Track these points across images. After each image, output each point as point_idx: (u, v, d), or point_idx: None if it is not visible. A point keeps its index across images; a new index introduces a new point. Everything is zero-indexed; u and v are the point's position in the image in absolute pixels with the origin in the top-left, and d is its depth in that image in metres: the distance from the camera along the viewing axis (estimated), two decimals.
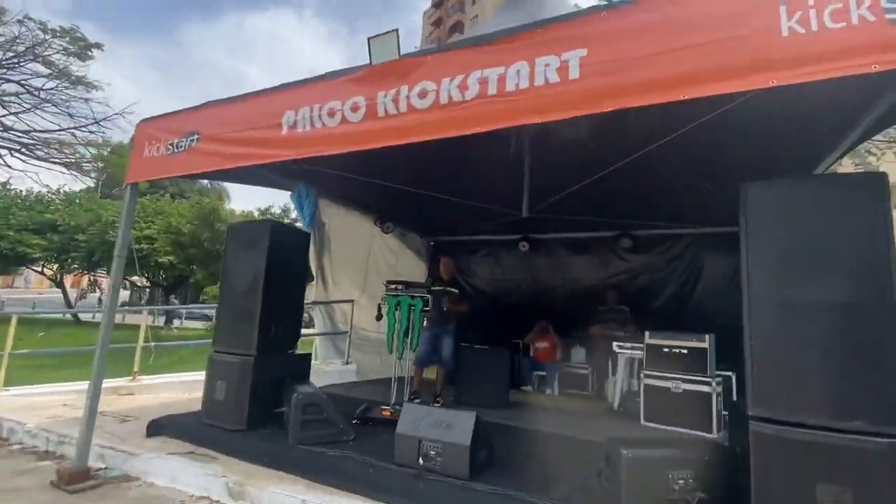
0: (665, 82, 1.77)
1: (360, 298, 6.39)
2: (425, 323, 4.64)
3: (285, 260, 3.87)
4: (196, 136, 3.08)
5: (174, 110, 3.30)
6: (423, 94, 2.27)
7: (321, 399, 3.34)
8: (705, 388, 4.25)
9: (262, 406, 3.54)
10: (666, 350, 4.57)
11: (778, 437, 1.95)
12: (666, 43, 1.80)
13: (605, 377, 6.27)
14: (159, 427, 3.57)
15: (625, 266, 6.57)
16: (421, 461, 2.71)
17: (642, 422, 4.53)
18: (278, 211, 24.64)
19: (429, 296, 4.30)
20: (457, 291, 4.98)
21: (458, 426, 2.74)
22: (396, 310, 4.30)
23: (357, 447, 3.15)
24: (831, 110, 2.96)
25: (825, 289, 1.98)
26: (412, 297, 4.28)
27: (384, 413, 3.97)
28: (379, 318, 4.69)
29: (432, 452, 2.72)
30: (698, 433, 4.17)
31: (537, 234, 6.94)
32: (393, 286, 4.36)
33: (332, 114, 2.54)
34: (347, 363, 6.20)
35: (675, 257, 6.26)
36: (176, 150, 3.18)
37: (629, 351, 5.20)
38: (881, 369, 1.87)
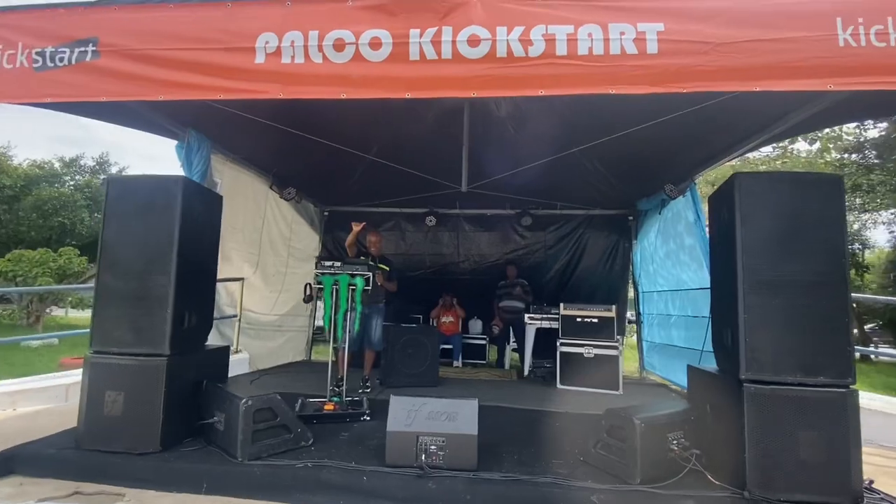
0: (743, 72, 1.83)
1: (252, 276, 5.48)
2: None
3: (199, 227, 3.02)
4: (91, 47, 2.12)
5: (46, 2, 2.20)
6: (473, 42, 1.93)
7: (274, 402, 2.74)
8: (613, 352, 4.84)
9: (179, 419, 2.75)
10: (579, 320, 5.04)
11: (767, 395, 2.29)
12: (742, 32, 1.84)
13: (504, 347, 6.69)
14: (11, 462, 2.49)
15: (523, 242, 6.99)
16: (423, 458, 2.45)
17: (558, 385, 4.96)
18: (90, 162, 19.44)
19: (369, 274, 3.87)
20: (387, 268, 4.63)
21: (462, 415, 2.55)
22: (334, 290, 3.76)
23: (322, 452, 2.70)
24: (748, 118, 3.51)
25: (800, 268, 2.36)
26: (352, 275, 3.80)
27: (327, 407, 3.50)
28: (308, 299, 4.05)
29: (433, 447, 2.48)
30: (607, 391, 4.75)
31: (444, 209, 6.88)
32: (329, 263, 3.80)
33: (339, 47, 1.99)
34: (237, 351, 5.29)
35: (565, 235, 6.90)
36: (49, 64, 2.14)
37: (539, 322, 5.59)
38: (837, 334, 2.33)
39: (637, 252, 6.50)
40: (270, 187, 5.48)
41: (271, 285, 5.90)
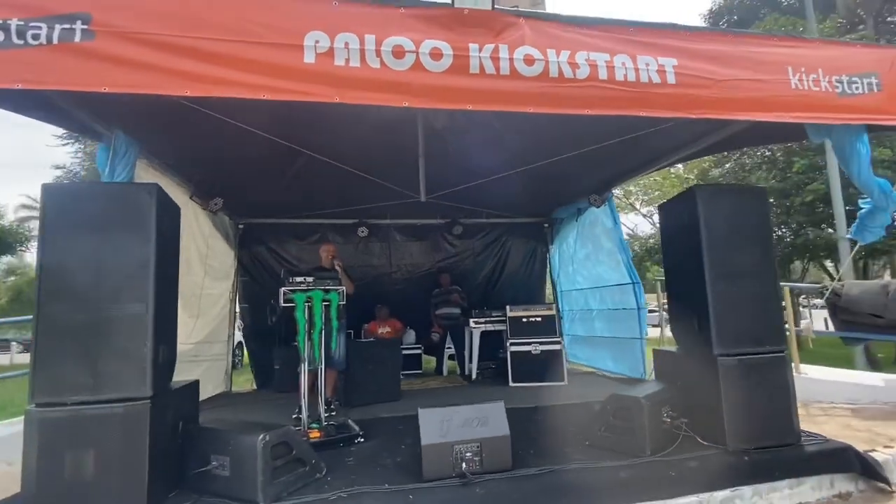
0: (739, 104, 2.28)
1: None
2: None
3: (165, 243, 2.59)
4: (80, 25, 1.74)
5: None
6: (529, 61, 2.07)
7: (289, 434, 2.47)
8: (557, 347, 5.30)
9: (160, 473, 2.31)
10: (525, 320, 5.42)
11: (735, 365, 2.81)
12: (732, 72, 2.30)
13: (442, 355, 6.82)
14: None
15: (453, 251, 7.22)
16: (464, 466, 2.45)
17: (510, 384, 5.25)
18: None
19: (343, 288, 3.69)
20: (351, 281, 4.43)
21: (492, 418, 2.61)
22: (306, 307, 3.49)
23: (341, 480, 2.51)
24: (667, 140, 4.20)
25: (746, 261, 2.96)
26: (325, 290, 3.57)
27: (313, 436, 3.23)
28: (272, 320, 3.67)
29: (469, 454, 2.50)
30: (555, 384, 5.18)
31: (375, 220, 6.76)
32: (300, 279, 3.52)
33: (399, 54, 1.96)
34: None
35: (491, 243, 7.32)
36: (17, 41, 1.70)
37: (483, 325, 5.85)
38: (773, 312, 2.97)
39: (555, 255, 7.18)
40: (191, 198, 4.82)
41: (189, 309, 5.16)
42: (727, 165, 12.48)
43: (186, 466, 2.46)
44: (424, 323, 6.82)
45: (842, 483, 2.75)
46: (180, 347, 5.10)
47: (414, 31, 2.00)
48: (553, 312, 5.46)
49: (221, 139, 3.80)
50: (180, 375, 5.16)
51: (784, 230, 10.04)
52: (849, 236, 3.16)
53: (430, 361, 7.10)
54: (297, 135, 4.01)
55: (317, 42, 1.90)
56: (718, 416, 2.78)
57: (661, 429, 2.81)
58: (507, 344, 5.34)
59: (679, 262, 3.31)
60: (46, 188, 2.33)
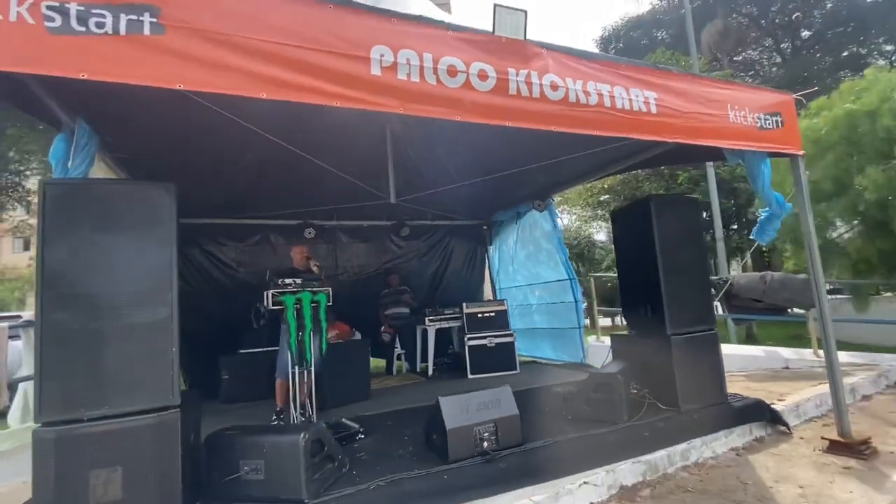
0: (698, 132, 2.86)
1: None
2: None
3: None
4: (149, 18, 1.69)
5: None
6: (554, 87, 2.41)
7: (322, 431, 2.50)
8: (509, 339, 5.77)
9: (186, 483, 2.23)
10: (480, 315, 5.80)
11: (684, 341, 3.45)
12: (693, 107, 2.89)
13: (392, 355, 6.94)
14: None
15: (399, 252, 7.36)
16: (485, 445, 2.71)
17: (469, 376, 5.58)
18: None
19: (329, 289, 3.71)
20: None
21: (503, 400, 2.91)
22: (296, 309, 3.46)
23: (368, 473, 2.62)
24: (606, 154, 4.88)
25: (686, 258, 3.63)
26: (314, 291, 3.57)
27: None
28: (259, 323, 3.53)
29: (486, 433, 2.77)
30: (508, 372, 5.63)
31: (320, 221, 6.65)
32: (289, 281, 3.47)
33: (452, 73, 2.17)
34: None
35: (435, 244, 7.61)
36: (78, 28, 1.61)
37: (438, 323, 6.11)
38: (706, 297, 3.69)
39: (495, 256, 7.70)
40: None
41: None
42: (620, 177, 14.26)
43: (208, 476, 2.38)
44: (372, 324, 6.86)
45: (757, 430, 3.54)
46: None
47: (463, 52, 2.22)
48: (505, 308, 5.92)
49: (177, 133, 3.58)
50: None
51: None
52: (751, 237, 4.01)
53: (377, 362, 7.14)
54: (237, 140, 3.86)
55: (382, 56, 2.03)
56: (672, 384, 3.40)
57: (631, 399, 3.34)
58: (465, 338, 5.66)
59: (633, 259, 3.91)
60: (49, 185, 2.11)
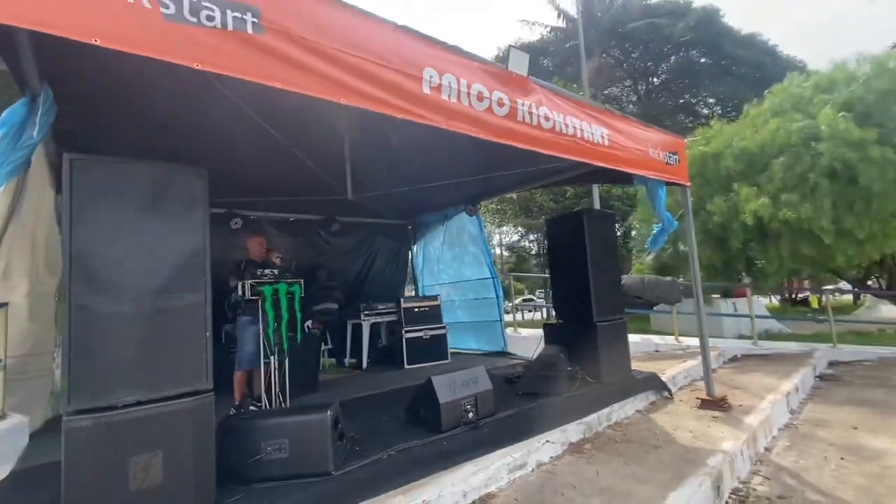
0: (634, 163, 3.69)
1: (25, 297, 3.72)
2: (245, 316, 3.86)
3: None
4: (251, 17, 1.82)
5: None
6: (547, 119, 2.97)
7: (337, 409, 2.67)
8: (442, 331, 6.25)
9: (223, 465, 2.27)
10: (416, 310, 6.18)
11: (605, 327, 4.30)
12: (631, 143, 3.71)
13: (320, 349, 6.93)
14: None
15: (327, 247, 7.34)
16: (470, 416, 3.15)
17: (406, 366, 5.93)
18: None
19: (301, 280, 3.78)
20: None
21: (479, 378, 3.36)
22: (273, 300, 3.49)
23: (368, 449, 2.87)
24: (538, 172, 5.68)
25: (607, 260, 4.52)
26: (289, 283, 3.62)
27: None
28: (235, 313, 3.43)
29: (468, 406, 3.21)
30: (441, 362, 6.12)
31: (247, 212, 6.37)
32: (268, 271, 3.47)
33: (480, 98, 2.59)
34: (2, 416, 3.49)
35: (362, 241, 7.75)
36: (190, 18, 1.69)
37: (372, 318, 6.34)
38: (616, 293, 4.63)
39: (419, 255, 8.11)
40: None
41: (34, 311, 4.04)
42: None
43: (225, 460, 2.41)
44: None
45: (652, 396, 4.55)
46: (31, 359, 4.11)
47: (485, 81, 2.63)
48: (438, 303, 6.38)
49: (124, 110, 3.33)
50: (23, 396, 4.16)
51: None
52: (647, 246, 5.10)
53: None
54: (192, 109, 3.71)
55: (430, 77, 2.34)
56: (596, 362, 4.22)
57: (569, 375, 4.08)
58: (403, 331, 5.99)
59: (566, 259, 4.68)
60: (75, 161, 1.99)
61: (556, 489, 2.78)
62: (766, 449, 3.63)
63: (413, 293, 8.30)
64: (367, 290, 7.54)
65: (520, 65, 2.82)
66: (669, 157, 4.21)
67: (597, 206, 10.61)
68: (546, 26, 21.76)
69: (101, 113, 3.35)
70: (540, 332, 7.90)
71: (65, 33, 1.43)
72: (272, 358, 3.45)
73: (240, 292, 3.44)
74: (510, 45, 2.82)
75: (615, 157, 3.53)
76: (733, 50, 19.14)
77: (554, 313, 4.93)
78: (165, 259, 2.14)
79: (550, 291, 4.92)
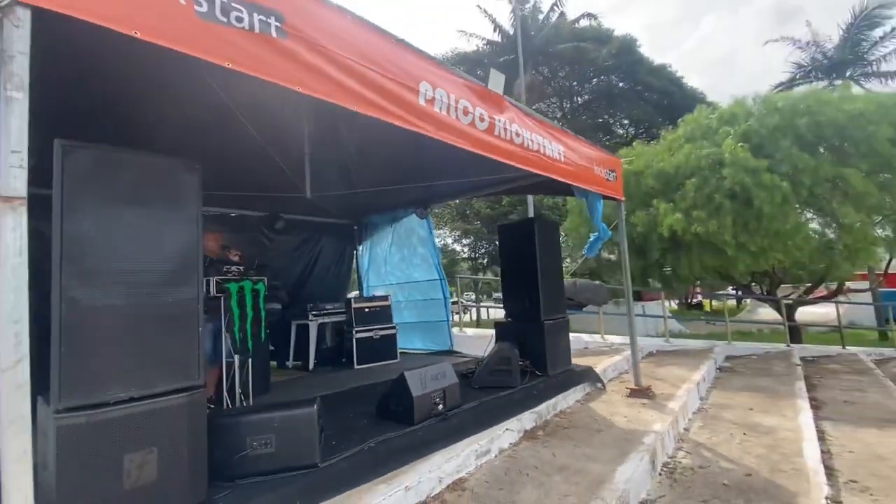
0: (581, 178, 4.14)
1: None
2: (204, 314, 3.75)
3: None
4: (275, 21, 1.90)
5: None
6: (518, 135, 3.28)
7: (319, 402, 2.73)
8: (392, 331, 6.37)
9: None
10: (367, 310, 6.24)
11: (550, 325, 4.72)
12: (579, 159, 4.16)
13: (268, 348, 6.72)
14: None
15: (270, 245, 7.11)
16: (440, 408, 3.35)
17: (356, 366, 5.96)
18: None
19: (265, 277, 3.74)
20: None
21: (447, 373, 3.57)
22: (239, 297, 3.43)
23: (340, 441, 2.97)
24: (491, 183, 6.04)
25: (553, 265, 4.95)
26: (254, 280, 3.57)
27: None
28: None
29: (437, 399, 3.41)
30: (390, 361, 6.23)
31: None
32: (234, 268, 3.40)
33: (465, 112, 2.82)
34: None
35: (307, 240, 7.62)
36: (221, 18, 1.74)
37: (320, 318, 6.29)
38: (561, 295, 5.09)
39: (365, 256, 8.12)
40: None
41: None
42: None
43: (210, 455, 2.39)
44: None
45: (588, 387, 5.06)
46: None
47: (470, 98, 2.86)
48: (389, 303, 6.48)
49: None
50: None
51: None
52: (583, 253, 5.64)
53: None
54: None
55: (426, 91, 2.52)
56: (543, 356, 4.63)
57: (520, 368, 4.42)
58: (354, 331, 6.02)
59: (516, 263, 5.04)
60: (66, 147, 1.90)
61: (520, 471, 3.07)
62: (685, 429, 4.23)
63: (357, 294, 8.29)
64: (310, 291, 7.40)
65: (497, 85, 3.10)
66: (609, 174, 4.74)
67: (531, 214, 11.31)
68: (483, 39, 22.55)
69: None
70: (484, 331, 8.30)
71: (111, 24, 1.43)
72: (235, 357, 3.39)
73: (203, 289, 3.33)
74: (491, 67, 3.09)
75: (569, 173, 3.94)
76: (646, 78, 21.26)
77: (504, 313, 5.27)
78: (158, 252, 2.10)
79: (502, 291, 5.27)
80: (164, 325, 2.08)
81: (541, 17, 21.99)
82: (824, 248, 7.45)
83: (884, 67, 16.87)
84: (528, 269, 4.81)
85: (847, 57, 17.16)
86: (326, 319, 6.33)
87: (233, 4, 1.74)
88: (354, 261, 8.28)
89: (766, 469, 3.27)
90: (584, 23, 21.67)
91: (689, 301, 23.05)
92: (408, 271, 7.47)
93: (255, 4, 1.81)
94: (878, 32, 16.70)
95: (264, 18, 1.83)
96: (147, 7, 1.53)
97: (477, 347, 6.69)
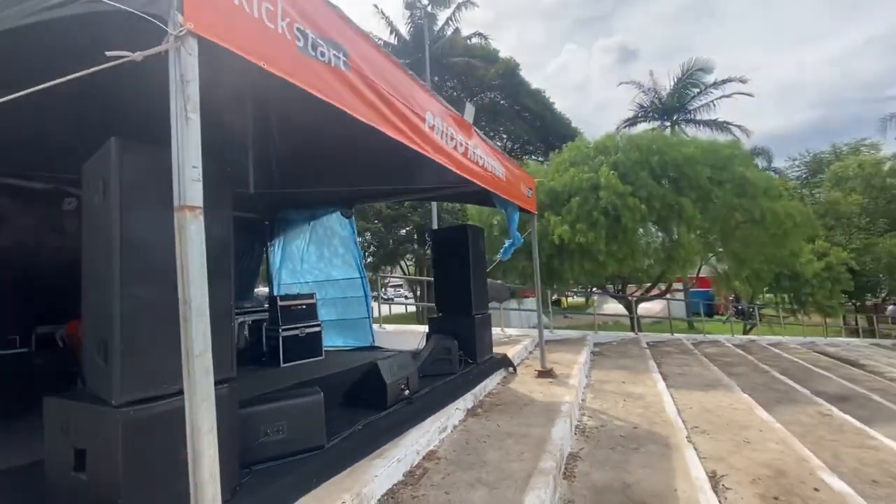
0: (512, 194, 4.94)
1: None
2: None
3: None
4: (342, 56, 2.23)
5: None
6: (480, 158, 3.90)
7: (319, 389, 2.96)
8: (317, 329, 6.46)
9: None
10: (293, 308, 6.24)
11: (477, 318, 5.43)
12: (513, 179, 4.95)
13: None
14: None
15: None
16: (406, 393, 3.78)
17: (282, 364, 5.95)
18: None
19: None
20: None
21: (408, 362, 4.02)
22: None
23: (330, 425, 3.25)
24: (423, 191, 6.56)
25: (479, 265, 5.68)
26: None
27: None
28: None
29: (403, 385, 3.84)
30: (316, 358, 6.34)
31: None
32: None
33: (451, 138, 3.34)
34: None
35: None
36: (311, 52, 2.03)
37: (242, 317, 6.12)
38: (484, 292, 5.86)
39: (277, 253, 7.92)
40: None
41: None
42: None
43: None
44: None
45: (503, 372, 5.90)
46: None
47: (452, 125, 3.36)
48: (314, 301, 6.53)
49: None
50: None
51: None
52: (498, 256, 6.49)
53: None
54: None
55: (430, 119, 2.97)
56: (473, 346, 5.32)
57: (457, 353, 5.04)
58: (280, 329, 5.98)
59: (449, 265, 5.65)
60: (124, 145, 1.94)
61: (477, 440, 3.68)
62: (583, 400, 5.30)
63: (266, 291, 8.05)
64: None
65: (469, 115, 3.67)
66: (528, 190, 5.65)
67: (435, 217, 12.05)
68: (380, 40, 22.73)
69: None
70: (402, 327, 8.75)
71: (249, 57, 1.63)
72: None
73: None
74: (467, 100, 3.62)
75: (507, 190, 4.69)
76: (525, 100, 23.73)
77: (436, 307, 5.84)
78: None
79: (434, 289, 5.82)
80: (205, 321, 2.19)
81: (436, 28, 23.02)
82: (665, 257, 9.63)
83: (698, 116, 21.74)
84: (461, 270, 5.45)
85: (675, 104, 21.69)
86: (245, 318, 6.15)
87: (318, 40, 2.01)
88: (265, 258, 8.03)
89: (645, 423, 4.41)
90: (475, 40, 23.31)
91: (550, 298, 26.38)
92: (326, 269, 7.55)
93: (330, 41, 2.09)
94: (695, 91, 21.49)
95: (336, 53, 2.12)
96: (268, 42, 1.75)
97: (397, 343, 7.15)
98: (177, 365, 2.04)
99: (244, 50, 1.63)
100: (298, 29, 1.89)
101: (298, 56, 1.89)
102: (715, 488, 3.17)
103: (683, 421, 4.61)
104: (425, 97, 2.98)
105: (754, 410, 5.04)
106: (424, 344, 5.23)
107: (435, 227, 12.32)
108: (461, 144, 3.48)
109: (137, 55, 1.37)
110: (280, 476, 2.48)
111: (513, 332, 9.07)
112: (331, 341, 7.58)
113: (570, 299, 25.83)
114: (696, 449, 3.83)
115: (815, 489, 3.19)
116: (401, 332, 7.99)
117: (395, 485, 2.90)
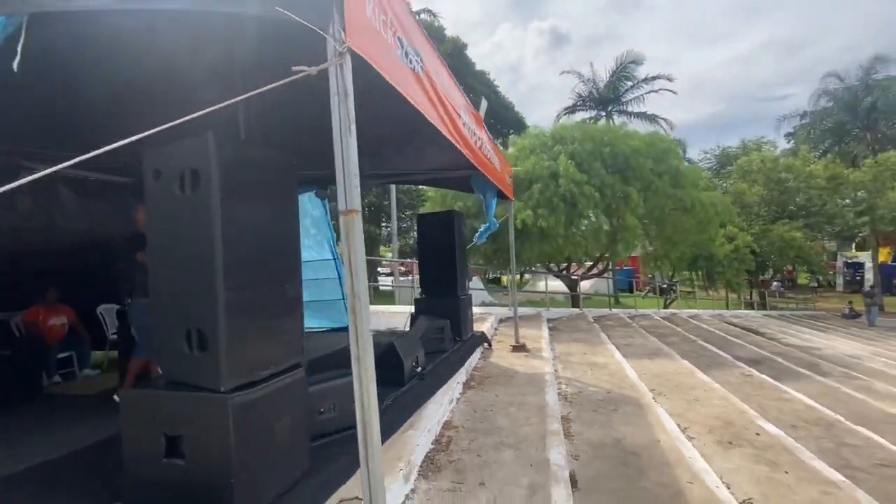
0: (500, 180, 5.29)
1: None
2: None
3: None
4: (419, 62, 2.41)
5: None
6: (486, 148, 4.19)
7: None
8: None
9: None
10: None
11: (465, 299, 5.79)
12: (502, 167, 5.29)
13: None
14: None
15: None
16: (418, 370, 4.06)
17: None
18: None
19: None
20: None
21: (417, 343, 4.28)
22: None
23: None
24: (414, 176, 6.68)
25: (461, 248, 6.00)
26: None
27: None
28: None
29: (415, 363, 4.12)
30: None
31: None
32: None
33: (473, 133, 3.59)
34: None
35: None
36: (404, 59, 2.20)
37: None
38: (465, 275, 6.20)
39: None
40: None
41: None
42: None
43: None
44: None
45: (481, 348, 6.35)
46: None
47: (471, 120, 3.61)
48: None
49: None
50: None
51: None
52: (475, 240, 6.83)
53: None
54: None
55: (462, 117, 3.20)
56: (459, 324, 5.68)
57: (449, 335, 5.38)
58: None
59: (435, 250, 5.90)
60: (218, 141, 1.98)
61: (483, 408, 4.07)
62: (556, 370, 5.90)
63: None
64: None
65: (482, 110, 3.91)
66: (509, 178, 6.02)
67: (394, 197, 12.11)
68: None
69: None
70: (376, 307, 8.86)
71: (377, 66, 1.78)
72: None
73: None
74: (483, 96, 3.85)
75: (499, 177, 5.03)
76: (471, 81, 23.94)
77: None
78: (278, 245, 2.30)
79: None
80: (286, 312, 2.32)
81: None
82: (610, 241, 10.60)
83: (630, 108, 23.45)
84: (448, 253, 5.74)
85: (610, 96, 23.17)
86: None
87: (408, 48, 2.18)
88: None
89: (616, 388, 5.06)
90: (424, 17, 22.96)
91: (489, 276, 27.58)
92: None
93: (413, 48, 2.26)
94: (628, 84, 23.11)
95: (417, 59, 2.30)
96: (385, 53, 1.91)
97: (375, 323, 7.32)
98: (268, 351, 2.19)
99: (373, 60, 1.78)
100: (398, 37, 2.05)
101: (398, 64, 2.05)
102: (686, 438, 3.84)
103: (644, 385, 5.35)
104: (460, 99, 3.19)
105: (695, 374, 5.94)
106: (411, 324, 5.49)
107: (393, 206, 12.39)
108: (479, 139, 3.73)
109: (313, 69, 1.48)
110: (339, 452, 2.67)
111: (477, 310, 9.57)
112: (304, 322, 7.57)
113: (505, 277, 27.07)
114: (662, 408, 4.52)
115: (757, 434, 3.97)
116: (374, 312, 8.13)
117: (429, 452, 3.21)
